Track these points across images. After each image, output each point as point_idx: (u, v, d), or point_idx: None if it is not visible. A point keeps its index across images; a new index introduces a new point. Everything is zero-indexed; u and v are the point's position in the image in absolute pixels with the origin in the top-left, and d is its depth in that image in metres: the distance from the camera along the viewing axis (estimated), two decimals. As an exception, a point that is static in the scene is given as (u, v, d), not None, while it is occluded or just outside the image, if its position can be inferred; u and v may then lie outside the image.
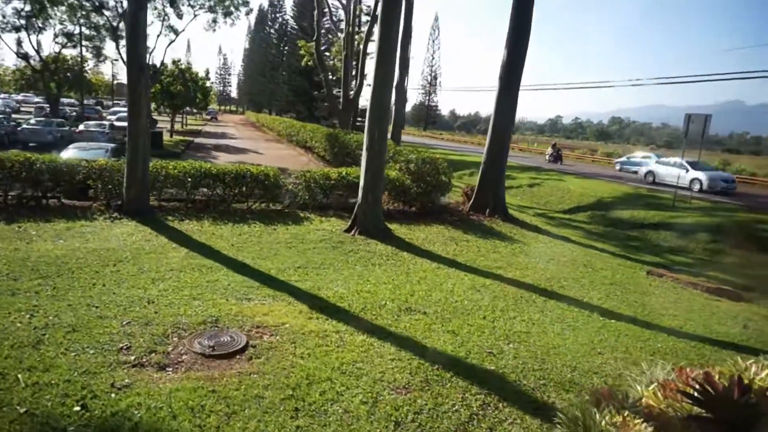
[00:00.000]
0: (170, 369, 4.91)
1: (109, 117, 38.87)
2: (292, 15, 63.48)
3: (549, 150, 40.73)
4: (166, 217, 11.62)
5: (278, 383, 4.77)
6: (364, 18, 33.76)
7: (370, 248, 10.54)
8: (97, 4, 27.53)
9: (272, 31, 74.24)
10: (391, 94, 11.45)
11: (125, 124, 29.52)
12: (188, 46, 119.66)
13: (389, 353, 5.69)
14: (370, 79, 27.36)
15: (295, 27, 62.87)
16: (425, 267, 9.69)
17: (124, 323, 5.77)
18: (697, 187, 24.41)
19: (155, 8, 28.90)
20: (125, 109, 45.52)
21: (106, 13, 30.38)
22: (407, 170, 14.22)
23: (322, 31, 53.12)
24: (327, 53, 34.43)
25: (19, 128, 24.76)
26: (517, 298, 8.30)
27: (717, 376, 4.30)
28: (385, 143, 11.64)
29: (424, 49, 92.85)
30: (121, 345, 5.22)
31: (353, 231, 11.43)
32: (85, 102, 38.90)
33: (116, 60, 37.82)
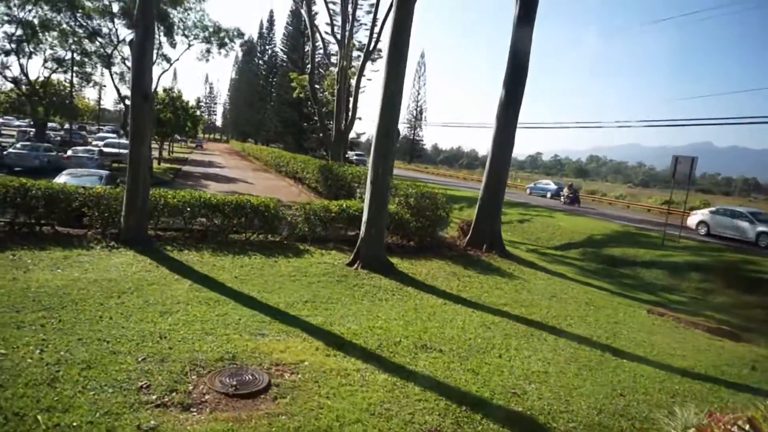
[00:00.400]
0: (194, 410, 4.71)
1: (95, 142, 38.47)
2: (282, 47, 64.34)
3: (565, 191, 37.67)
4: (164, 247, 11.39)
5: (309, 425, 4.61)
6: (355, 53, 34.29)
7: (374, 282, 10.44)
8: (91, 30, 27.55)
9: (261, 62, 75.03)
10: (396, 130, 11.52)
11: (114, 150, 29.40)
12: (174, 74, 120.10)
13: (414, 393, 5.57)
14: (360, 113, 27.59)
15: (285, 60, 63.66)
16: (432, 303, 9.62)
17: (139, 359, 5.56)
18: (766, 242, 21.07)
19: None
20: (112, 135, 45.27)
21: (99, 39, 30.47)
22: (406, 204, 14.26)
23: (308, 66, 54.35)
24: (317, 86, 34.71)
25: (5, 152, 24.28)
26: (527, 336, 8.26)
27: (761, 421, 4.30)
28: (389, 179, 11.68)
29: (410, 85, 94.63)
30: (140, 383, 5.01)
31: (356, 265, 11.33)
32: (69, 127, 38.31)
33: (104, 86, 37.61)
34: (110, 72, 29.12)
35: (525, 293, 11.33)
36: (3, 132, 49.36)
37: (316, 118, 52.87)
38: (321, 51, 44.92)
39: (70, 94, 31.91)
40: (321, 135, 33.26)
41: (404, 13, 11.10)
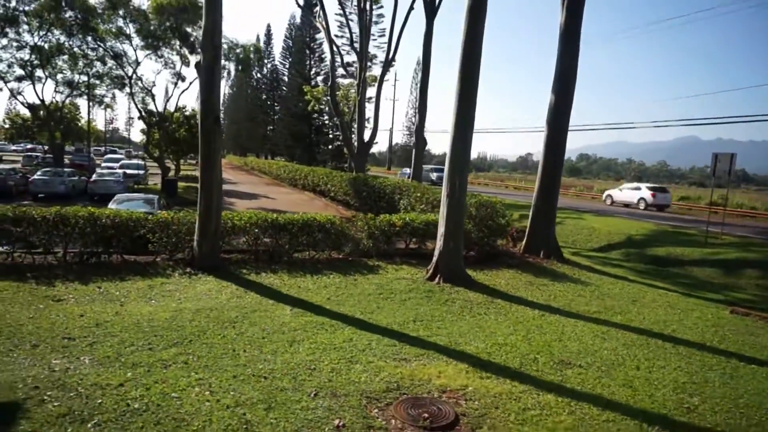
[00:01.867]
0: (404, 446, 4.51)
1: (104, 164, 38.00)
2: (281, 61, 64.30)
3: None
4: (239, 271, 11.17)
5: (530, 457, 4.42)
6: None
7: (462, 297, 10.27)
8: (111, 53, 27.25)
9: (259, 75, 74.79)
10: (471, 141, 11.39)
11: (134, 171, 29.01)
12: (166, 91, 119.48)
13: (595, 414, 5.40)
14: (378, 123, 27.36)
15: (287, 73, 63.37)
16: (530, 315, 9.46)
17: (311, 395, 5.35)
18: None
19: (161, 56, 28.87)
20: (121, 155, 44.83)
21: (114, 62, 30.17)
22: (467, 214, 14.09)
23: (322, 76, 54.06)
24: (326, 97, 34.55)
25: (30, 179, 23.84)
26: (645, 345, 8.11)
27: None
28: (465, 191, 11.52)
29: (408, 92, 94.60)
30: (335, 422, 4.80)
31: (436, 279, 11.15)
32: (77, 149, 37.87)
33: (114, 108, 37.22)
34: (132, 94, 28.71)
35: (608, 299, 11.19)
36: (2, 158, 48.73)
37: (327, 130, 53.20)
38: (328, 63, 44.78)
39: (88, 117, 31.61)
40: (344, 147, 33.03)
41: (476, 26, 10.95)
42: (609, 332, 8.69)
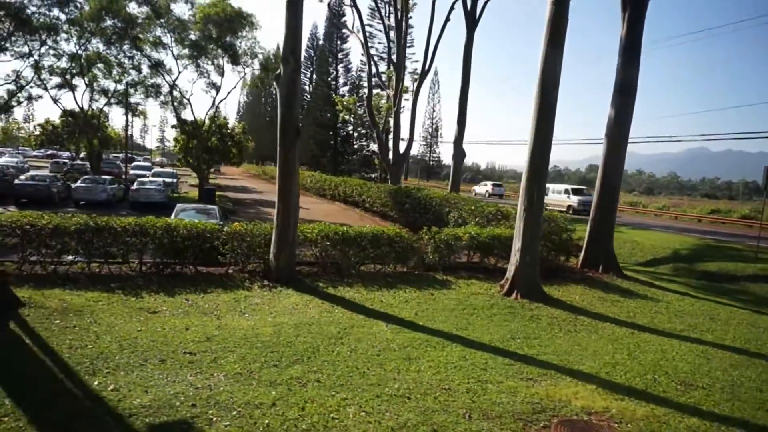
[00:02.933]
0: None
1: (132, 171, 38.21)
2: (308, 70, 64.53)
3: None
4: (315, 284, 11.15)
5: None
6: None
7: (544, 313, 10.18)
8: (152, 62, 27.49)
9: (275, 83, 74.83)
10: (549, 154, 11.35)
11: (169, 179, 29.13)
12: (182, 99, 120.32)
13: (751, 441, 5.30)
14: (405, 133, 27.27)
15: (314, 82, 63.49)
16: (619, 333, 9.35)
17: (466, 416, 5.31)
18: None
19: (197, 65, 29.07)
20: (146, 163, 45.15)
21: (146, 70, 30.44)
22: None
23: (348, 86, 54.31)
24: (347, 106, 34.63)
25: (72, 186, 24.01)
26: (752, 366, 7.99)
27: None
28: (543, 205, 11.46)
29: (424, 102, 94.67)
30: (505, 445, 4.74)
31: (513, 294, 11.07)
32: (125, 157, 37.95)
33: (147, 116, 37.45)
34: (172, 102, 28.86)
35: (687, 317, 11.04)
36: (29, 164, 49.09)
37: (353, 140, 53.34)
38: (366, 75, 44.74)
39: (127, 125, 31.79)
40: (371, 157, 33.09)
41: (556, 41, 10.93)
42: (708, 351, 8.57)
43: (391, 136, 28.24)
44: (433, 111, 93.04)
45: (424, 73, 26.93)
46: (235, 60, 26.10)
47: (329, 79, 57.50)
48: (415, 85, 27.94)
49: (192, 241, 11.19)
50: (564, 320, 9.81)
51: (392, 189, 24.23)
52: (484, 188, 50.75)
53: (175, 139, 32.25)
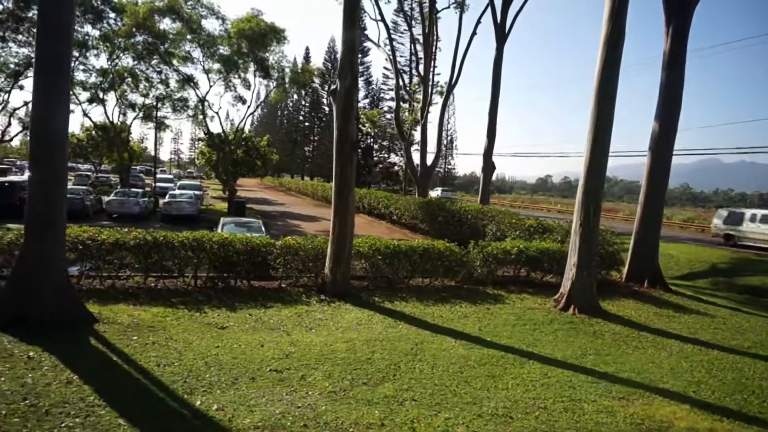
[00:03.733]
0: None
1: (159, 185, 38.50)
2: (325, 83, 65.06)
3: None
4: (371, 298, 11.11)
5: None
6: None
7: (606, 328, 10.06)
8: (183, 77, 27.84)
9: (296, 97, 75.66)
10: (606, 168, 11.30)
11: (198, 193, 29.30)
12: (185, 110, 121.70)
13: None
14: (430, 145, 27.30)
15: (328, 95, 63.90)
16: (686, 349, 9.21)
17: (577, 437, 5.21)
18: None
19: (225, 79, 29.37)
20: (168, 175, 45.45)
21: (173, 84, 30.79)
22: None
23: (366, 99, 54.71)
24: (382, 117, 34.77)
25: (105, 200, 24.25)
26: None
27: None
28: (599, 220, 11.38)
29: (437, 114, 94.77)
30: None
31: (571, 309, 10.97)
32: (154, 170, 38.32)
33: (171, 129, 37.76)
34: (203, 115, 29.15)
35: (749, 333, 10.84)
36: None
37: (374, 153, 53.54)
38: (374, 86, 44.93)
39: (156, 139, 32.09)
40: (393, 169, 33.16)
41: (613, 54, 10.93)
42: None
43: (417, 148, 28.25)
44: (448, 122, 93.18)
45: (451, 86, 27.06)
46: (266, 74, 26.35)
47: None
48: (443, 98, 28.01)
49: (246, 255, 11.22)
50: (627, 336, 9.68)
51: (424, 201, 24.20)
52: (435, 193, 54.78)
53: (201, 152, 32.50)
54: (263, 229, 15.07)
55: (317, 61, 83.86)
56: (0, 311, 7.55)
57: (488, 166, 24.81)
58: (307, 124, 74.05)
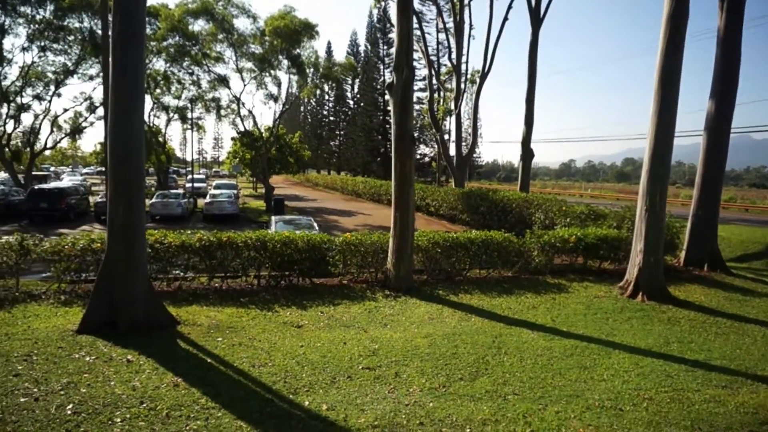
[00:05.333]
0: None
1: (187, 185, 39.02)
2: (348, 76, 65.09)
3: None
4: (434, 292, 11.08)
5: None
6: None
7: (678, 315, 9.85)
8: (217, 77, 28.09)
9: (319, 92, 75.68)
10: (671, 152, 11.03)
11: (235, 191, 29.59)
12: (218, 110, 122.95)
13: None
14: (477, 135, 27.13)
15: (360, 87, 63.55)
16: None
17: (696, 429, 5.10)
18: None
19: (256, 78, 29.49)
20: (200, 176, 45.88)
21: (205, 85, 31.04)
22: (633, 228, 13.66)
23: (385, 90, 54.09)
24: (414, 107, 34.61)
25: (149, 202, 24.68)
26: None
27: None
28: (665, 204, 11.12)
29: (466, 101, 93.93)
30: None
31: (639, 296, 10.78)
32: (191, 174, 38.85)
33: (199, 129, 38.16)
34: (239, 115, 29.37)
35: (828, 316, 10.54)
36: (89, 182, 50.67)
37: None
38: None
39: (192, 140, 32.46)
40: (428, 161, 32.98)
41: (675, 39, 10.60)
42: None
43: (452, 138, 28.04)
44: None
45: (484, 74, 26.69)
46: (300, 70, 26.40)
47: (376, 84, 57.75)
48: (476, 86, 27.69)
49: (308, 253, 11.28)
50: (703, 322, 9.46)
51: (464, 192, 24.02)
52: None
53: (234, 151, 32.75)
54: (315, 226, 15.11)
55: (339, 55, 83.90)
56: (91, 316, 7.74)
57: (527, 153, 24.48)
58: (332, 118, 74.09)
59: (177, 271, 11.08)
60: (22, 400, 5.35)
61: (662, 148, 10.88)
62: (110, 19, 9.38)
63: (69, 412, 5.11)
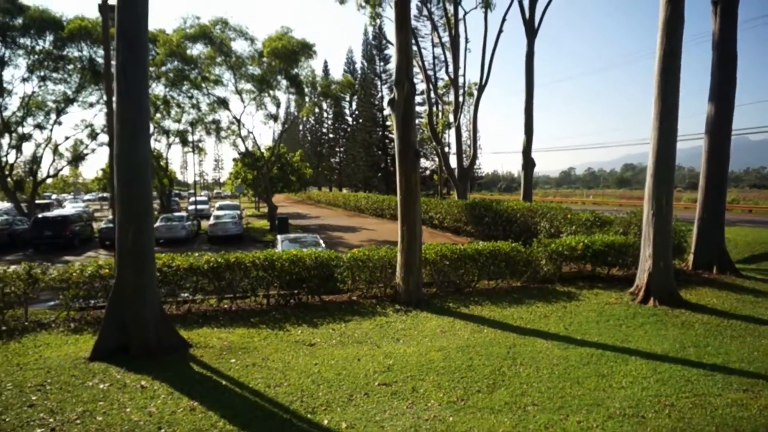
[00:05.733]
0: None
1: (190, 207, 39.11)
2: (346, 93, 65.64)
3: None
4: (444, 304, 11.03)
5: None
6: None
7: (692, 319, 9.77)
8: (217, 100, 28.29)
9: (317, 110, 76.25)
10: (675, 155, 11.05)
11: (238, 212, 29.61)
12: (218, 132, 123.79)
13: None
14: (482, 145, 27.25)
15: (358, 104, 63.89)
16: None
17: (722, 434, 5.04)
18: None
19: (255, 98, 29.70)
20: (202, 198, 45.95)
21: (204, 108, 31.26)
22: (640, 233, 13.63)
23: (389, 107, 54.54)
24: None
25: (155, 226, 24.74)
26: None
27: None
28: (672, 208, 11.12)
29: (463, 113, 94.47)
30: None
31: (650, 301, 10.72)
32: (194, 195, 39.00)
33: (200, 152, 38.34)
34: (240, 137, 29.52)
35: (841, 314, 10.46)
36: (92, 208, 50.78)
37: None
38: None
39: (194, 162, 32.64)
40: (428, 174, 33.05)
41: (672, 43, 10.68)
42: None
43: (452, 150, 28.12)
44: (470, 123, 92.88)
45: (482, 86, 26.88)
46: (299, 89, 26.60)
47: (374, 100, 58.11)
48: (474, 99, 27.87)
49: (317, 270, 11.26)
50: (718, 326, 9.39)
51: (468, 203, 24.03)
52: None
53: (235, 172, 32.83)
54: (322, 243, 15.10)
55: (336, 73, 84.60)
56: (103, 342, 7.71)
57: (528, 163, 24.55)
58: (331, 135, 74.45)
59: (186, 294, 11.07)
60: (39, 431, 5.30)
61: (665, 151, 10.90)
62: (112, 46, 9.45)
63: (87, 440, 5.06)
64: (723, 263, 14.45)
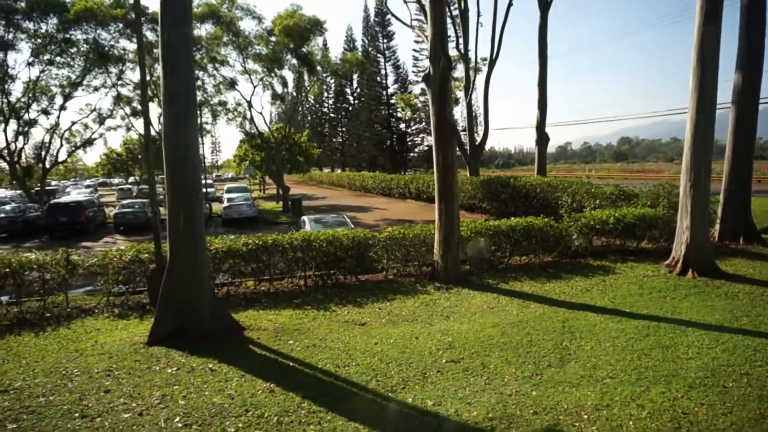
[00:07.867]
0: None
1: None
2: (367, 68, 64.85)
3: None
4: (484, 281, 11.06)
5: None
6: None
7: (734, 289, 9.82)
8: (219, 82, 27.93)
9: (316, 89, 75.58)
10: (714, 127, 10.96)
11: (249, 194, 29.49)
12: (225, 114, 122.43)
13: None
14: (491, 122, 27.03)
15: (361, 82, 63.11)
16: (834, 303, 8.94)
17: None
18: None
19: (262, 79, 29.34)
20: (207, 181, 45.67)
21: (210, 90, 30.86)
22: (672, 206, 13.65)
23: (396, 84, 54.07)
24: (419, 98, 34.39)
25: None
26: None
27: None
28: (710, 178, 11.07)
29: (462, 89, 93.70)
30: None
31: (689, 273, 10.76)
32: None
33: (207, 134, 37.95)
34: (251, 119, 29.21)
35: None
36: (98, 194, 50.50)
37: (409, 137, 53.24)
38: (402, 70, 43.98)
39: (203, 145, 32.37)
40: (459, 150, 32.74)
41: (711, 14, 10.51)
42: None
43: (463, 127, 27.91)
44: (475, 99, 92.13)
45: (492, 61, 26.54)
46: (311, 68, 26.23)
47: (378, 78, 57.44)
48: (485, 74, 27.55)
49: (354, 250, 11.25)
50: (761, 295, 9.45)
51: (483, 180, 23.95)
52: None
53: (242, 155, 32.56)
54: (349, 222, 15.03)
55: (334, 51, 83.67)
56: (159, 326, 7.69)
57: (542, 138, 24.42)
58: (332, 115, 73.79)
59: (225, 277, 11.06)
60: (126, 416, 5.31)
61: (704, 121, 10.80)
62: (145, 32, 9.28)
63: (179, 424, 5.07)
64: (749, 234, 14.48)
